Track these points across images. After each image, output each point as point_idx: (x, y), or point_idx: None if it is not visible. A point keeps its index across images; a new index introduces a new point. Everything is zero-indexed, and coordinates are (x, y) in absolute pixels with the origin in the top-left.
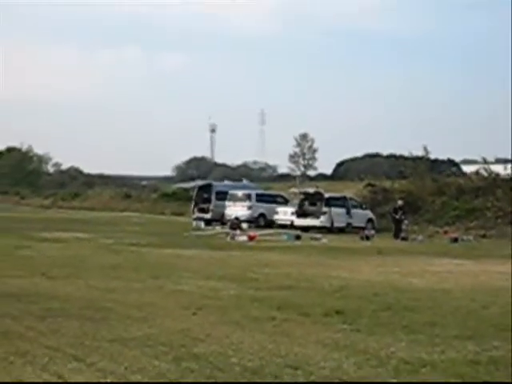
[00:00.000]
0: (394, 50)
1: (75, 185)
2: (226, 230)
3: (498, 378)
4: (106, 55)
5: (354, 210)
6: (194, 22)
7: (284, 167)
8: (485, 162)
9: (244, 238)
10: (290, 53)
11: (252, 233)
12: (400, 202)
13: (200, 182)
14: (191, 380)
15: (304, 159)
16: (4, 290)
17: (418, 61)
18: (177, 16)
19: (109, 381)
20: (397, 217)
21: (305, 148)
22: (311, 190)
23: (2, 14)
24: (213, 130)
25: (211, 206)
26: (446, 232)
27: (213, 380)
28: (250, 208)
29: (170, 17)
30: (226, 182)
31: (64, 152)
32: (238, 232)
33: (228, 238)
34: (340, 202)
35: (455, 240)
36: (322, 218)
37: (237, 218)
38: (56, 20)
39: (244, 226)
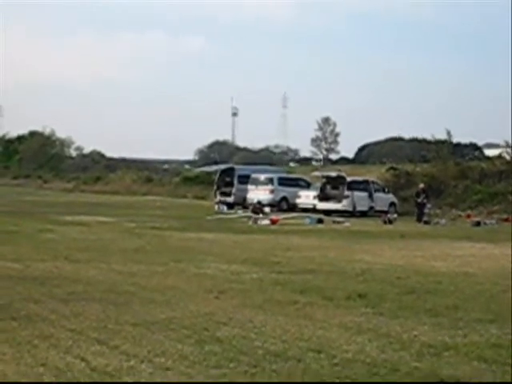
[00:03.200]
0: (417, 32)
1: (97, 168)
2: (248, 213)
3: None
4: (129, 38)
5: (376, 194)
6: (217, 5)
7: (306, 151)
8: (507, 145)
9: (266, 221)
10: (312, 36)
11: (274, 216)
12: (421, 185)
13: (222, 166)
14: (214, 363)
15: (326, 143)
16: (27, 273)
17: (442, 44)
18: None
19: (132, 363)
20: (419, 200)
21: (327, 132)
22: (333, 174)
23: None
24: (235, 114)
25: (233, 190)
26: (468, 216)
27: (236, 363)
28: (272, 192)
29: (190, 1)
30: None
31: (86, 136)
32: (260, 215)
33: (250, 222)
34: (362, 185)
35: (478, 224)
36: (345, 201)
37: (259, 202)
38: (80, 4)
39: (266, 209)
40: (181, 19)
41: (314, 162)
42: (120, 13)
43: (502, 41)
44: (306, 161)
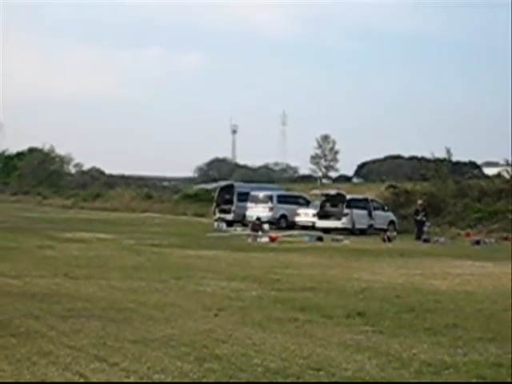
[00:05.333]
0: (416, 51)
1: (97, 185)
2: (248, 231)
3: None
4: (128, 55)
5: (375, 212)
6: (215, 22)
7: (305, 168)
8: (507, 163)
9: (266, 239)
10: (311, 54)
11: (274, 234)
12: (420, 201)
13: (222, 183)
14: (213, 380)
15: (325, 160)
16: (26, 289)
17: (442, 62)
18: (198, 16)
19: (132, 380)
20: (418, 218)
21: (326, 149)
22: (333, 192)
23: (25, 16)
24: (234, 131)
25: (233, 207)
26: (467, 234)
27: (235, 380)
28: (271, 209)
29: (190, 17)
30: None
31: (86, 153)
32: (259, 233)
33: (249, 240)
34: (362, 203)
35: (477, 242)
36: (344, 219)
37: (258, 219)
38: (78, 21)
39: (265, 227)
40: (180, 36)
41: (323, 180)
42: (119, 29)
43: (502, 59)
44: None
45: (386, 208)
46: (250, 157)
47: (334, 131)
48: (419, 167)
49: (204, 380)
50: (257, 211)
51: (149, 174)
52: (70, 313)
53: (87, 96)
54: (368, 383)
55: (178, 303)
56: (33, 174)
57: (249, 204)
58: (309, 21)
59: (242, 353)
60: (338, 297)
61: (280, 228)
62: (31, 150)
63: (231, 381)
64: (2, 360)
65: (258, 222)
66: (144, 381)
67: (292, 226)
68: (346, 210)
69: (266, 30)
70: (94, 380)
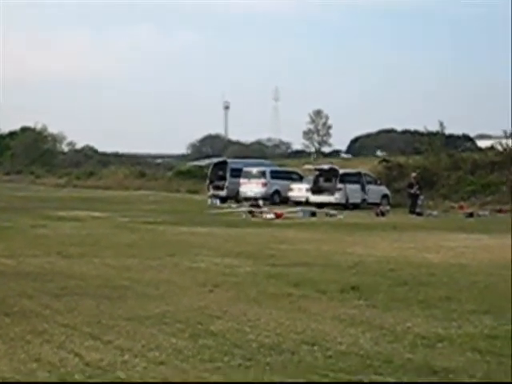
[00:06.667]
0: (411, 24)
1: (90, 164)
2: (243, 208)
3: None
4: (120, 33)
5: (368, 186)
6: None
7: (298, 144)
8: (505, 135)
9: (271, 215)
10: (303, 29)
11: (279, 211)
12: (414, 174)
13: (215, 160)
14: (208, 357)
15: (318, 136)
16: (20, 269)
17: (436, 35)
18: None
19: (126, 358)
20: (412, 191)
21: (319, 124)
22: (326, 167)
23: None
24: (227, 108)
25: (226, 184)
26: (461, 207)
27: (230, 356)
28: (264, 185)
29: None
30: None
31: (78, 131)
32: (265, 209)
33: (244, 216)
34: (355, 178)
35: (470, 215)
36: (337, 194)
37: (255, 199)
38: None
39: (260, 202)
40: (173, 14)
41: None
42: (111, 7)
43: (495, 30)
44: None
45: (379, 182)
46: (243, 133)
47: (327, 106)
48: (412, 141)
49: (199, 357)
50: (250, 187)
51: (142, 152)
52: (63, 291)
53: (79, 74)
54: (362, 357)
55: (173, 280)
56: (25, 153)
57: (242, 180)
58: None
59: (237, 329)
60: (332, 271)
61: (273, 203)
62: (23, 130)
63: (226, 358)
64: None
65: (255, 202)
66: (138, 358)
67: (285, 201)
68: (339, 185)
69: (258, 6)
70: (88, 358)
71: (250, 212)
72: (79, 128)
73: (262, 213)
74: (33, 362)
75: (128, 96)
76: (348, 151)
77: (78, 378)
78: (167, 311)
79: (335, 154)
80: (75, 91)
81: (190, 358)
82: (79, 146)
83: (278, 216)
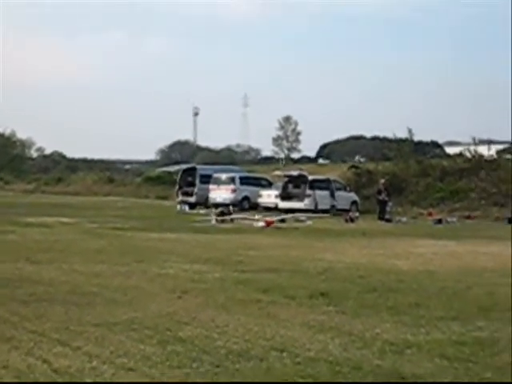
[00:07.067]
0: (379, 32)
1: (59, 169)
2: (212, 215)
3: (482, 358)
4: (90, 39)
5: (338, 193)
6: (178, 6)
7: (268, 150)
8: (474, 142)
9: (261, 223)
10: (273, 35)
11: (269, 218)
12: (382, 181)
13: (184, 166)
14: (176, 363)
15: (288, 142)
16: None
17: (405, 43)
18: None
19: (95, 364)
20: (380, 198)
21: (288, 131)
22: (295, 173)
23: None
24: (196, 114)
25: (195, 190)
26: (430, 213)
27: (198, 363)
28: (234, 191)
29: (153, 1)
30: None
31: (47, 137)
32: (256, 217)
33: (213, 221)
34: (324, 184)
35: (439, 221)
36: (306, 200)
37: (226, 205)
38: (42, 5)
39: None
40: (141, 20)
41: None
42: (81, 13)
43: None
44: (267, 160)
45: (348, 188)
46: (212, 139)
47: (296, 112)
48: (381, 147)
49: (167, 363)
50: (219, 193)
51: (111, 158)
52: (32, 297)
53: (48, 80)
54: (331, 363)
55: (141, 286)
56: None
57: (211, 186)
58: (270, 3)
59: (206, 335)
60: (300, 277)
61: (243, 210)
62: None
63: (194, 364)
64: None
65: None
66: (107, 365)
67: (255, 207)
68: (308, 191)
69: (226, 13)
70: (56, 365)
71: (220, 214)
72: (48, 133)
73: (222, 220)
74: (1, 369)
75: (97, 101)
76: (317, 157)
77: None
78: (135, 317)
79: (305, 159)
80: (44, 96)
81: (159, 365)
82: (48, 151)
83: (268, 224)
